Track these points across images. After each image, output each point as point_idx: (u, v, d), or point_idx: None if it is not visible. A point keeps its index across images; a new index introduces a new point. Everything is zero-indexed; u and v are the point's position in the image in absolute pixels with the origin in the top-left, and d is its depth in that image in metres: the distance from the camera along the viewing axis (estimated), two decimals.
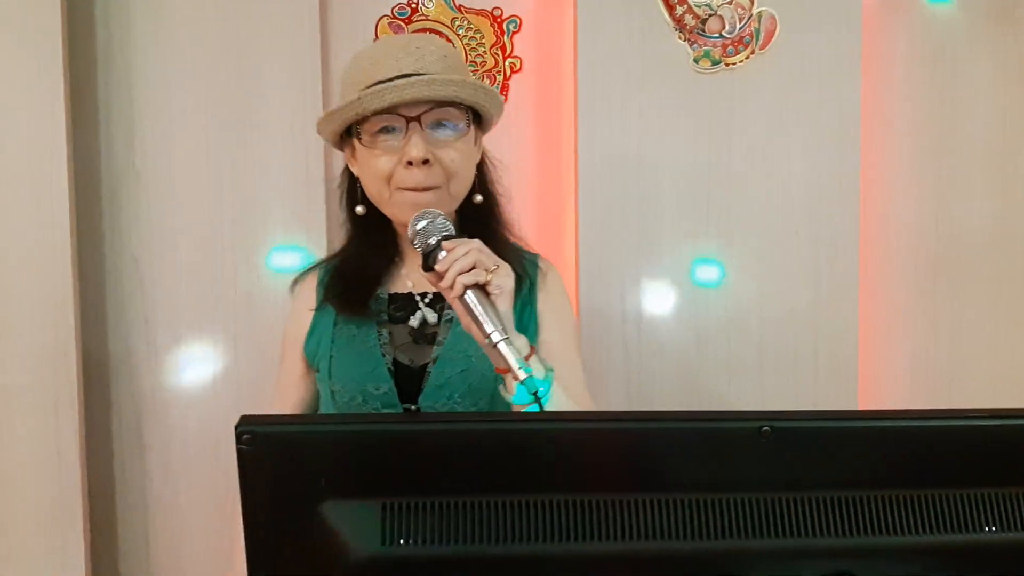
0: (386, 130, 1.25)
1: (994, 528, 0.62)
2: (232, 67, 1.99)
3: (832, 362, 2.11)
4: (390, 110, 1.22)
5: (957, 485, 0.61)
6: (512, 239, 1.39)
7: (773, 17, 2.04)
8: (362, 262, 1.36)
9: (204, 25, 1.98)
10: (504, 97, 2.14)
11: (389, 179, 1.26)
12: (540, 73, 2.15)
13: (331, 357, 1.33)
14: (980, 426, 0.63)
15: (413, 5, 2.11)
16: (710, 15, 2.02)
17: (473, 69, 2.13)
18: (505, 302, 1.12)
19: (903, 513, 0.61)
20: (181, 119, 1.98)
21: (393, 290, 1.36)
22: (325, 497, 0.56)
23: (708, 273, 2.09)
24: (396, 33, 2.11)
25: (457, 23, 2.13)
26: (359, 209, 1.34)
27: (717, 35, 2.03)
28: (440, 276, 1.12)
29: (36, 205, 1.85)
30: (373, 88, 1.21)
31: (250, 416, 0.54)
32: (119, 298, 2.01)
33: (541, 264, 1.40)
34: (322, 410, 1.39)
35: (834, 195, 2.08)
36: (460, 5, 2.12)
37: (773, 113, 2.07)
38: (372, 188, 1.30)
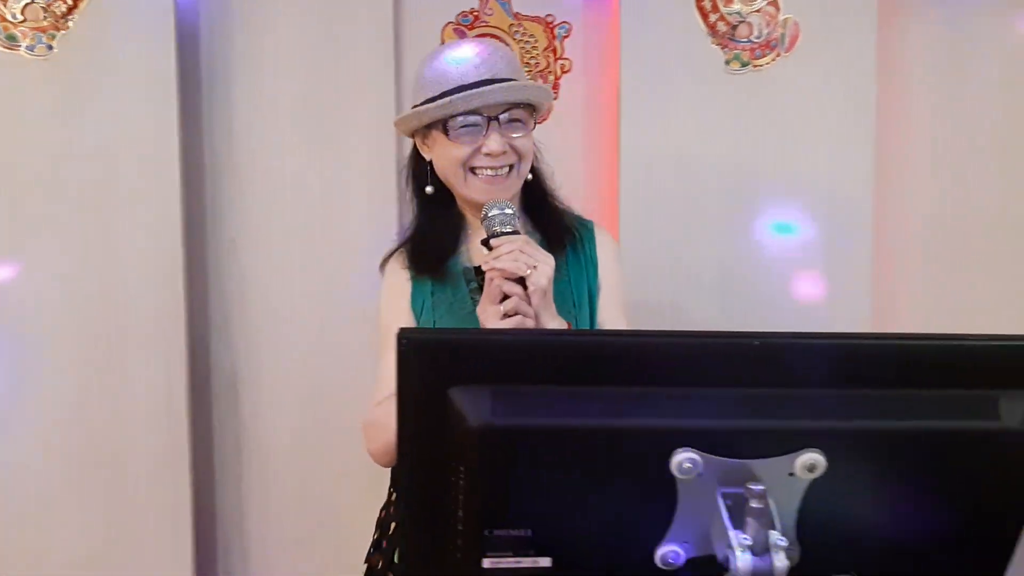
0: (467, 125, 1.50)
1: (931, 418, 0.87)
2: (315, 71, 2.26)
3: None
4: (475, 111, 1.49)
5: (896, 386, 0.86)
6: (561, 205, 1.66)
7: (797, 23, 2.27)
8: (436, 235, 1.60)
9: (291, 34, 2.25)
10: (555, 94, 2.40)
11: (465, 163, 1.51)
12: (588, 73, 2.40)
13: (434, 323, 1.54)
14: (916, 345, 0.88)
15: (475, 13, 2.37)
16: (740, 22, 2.26)
17: (527, 70, 2.38)
18: (538, 296, 1.40)
19: (858, 405, 0.86)
20: (272, 119, 2.26)
21: (475, 263, 1.59)
22: (453, 384, 0.82)
23: (739, 261, 2.33)
24: (460, 37, 2.37)
25: (514, 28, 2.38)
26: (429, 189, 1.59)
27: (746, 40, 2.26)
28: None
29: (152, 196, 2.16)
30: (462, 93, 1.47)
31: (406, 328, 0.81)
32: (219, 274, 2.30)
33: (595, 228, 1.68)
34: None
35: (849, 186, 2.30)
36: (517, 12, 2.38)
37: (796, 109, 2.30)
38: (448, 171, 1.54)
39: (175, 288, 2.16)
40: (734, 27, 2.26)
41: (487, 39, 1.57)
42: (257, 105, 2.27)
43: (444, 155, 1.54)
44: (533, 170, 1.61)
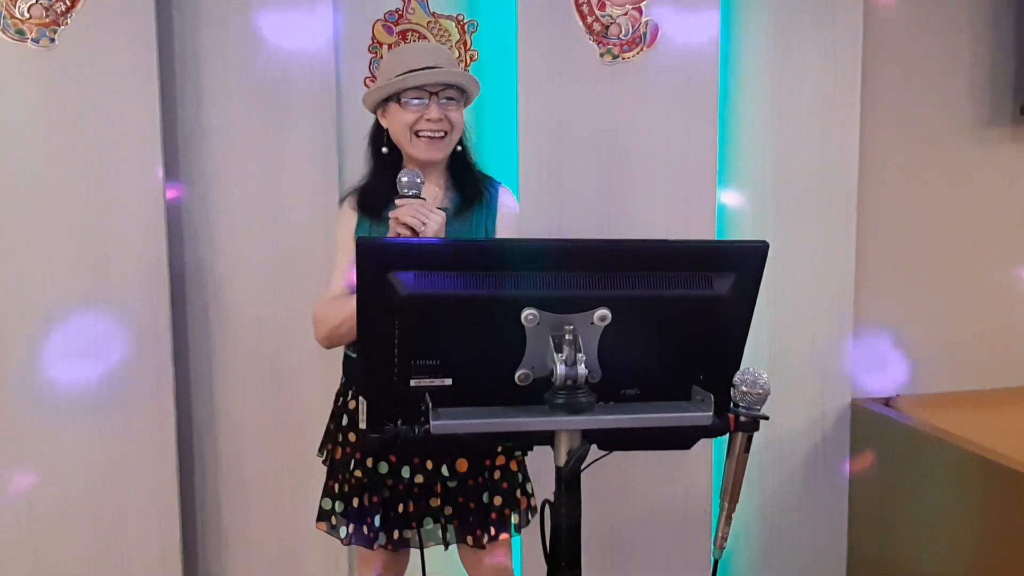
0: (415, 99, 2.07)
1: (673, 289, 1.47)
2: (266, 58, 2.77)
3: None
4: (421, 87, 2.06)
5: (652, 270, 1.46)
6: (479, 173, 2.24)
7: (656, 25, 2.87)
8: (381, 188, 2.14)
9: (246, 26, 2.75)
10: None
11: (411, 127, 2.08)
12: (493, 64, 2.96)
13: None
14: (664, 245, 1.48)
15: (399, 12, 2.90)
16: (611, 23, 2.85)
17: None
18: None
19: (631, 281, 1.45)
20: (232, 98, 2.77)
21: None
22: (391, 270, 1.39)
23: (612, 212, 2.94)
24: (387, 32, 2.90)
25: (432, 25, 2.93)
26: (384, 150, 2.16)
27: (616, 38, 2.85)
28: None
29: (137, 159, 2.65)
30: (411, 73, 2.04)
31: (363, 237, 1.37)
32: (192, 224, 2.81)
33: (500, 188, 2.25)
34: None
35: (698, 151, 2.93)
36: (434, 12, 2.92)
37: (656, 91, 2.90)
38: (399, 134, 2.12)
39: (158, 235, 2.67)
40: (607, 27, 2.85)
41: (436, 43, 2.19)
42: (219, 88, 2.78)
43: (397, 121, 2.11)
44: (462, 143, 2.20)
